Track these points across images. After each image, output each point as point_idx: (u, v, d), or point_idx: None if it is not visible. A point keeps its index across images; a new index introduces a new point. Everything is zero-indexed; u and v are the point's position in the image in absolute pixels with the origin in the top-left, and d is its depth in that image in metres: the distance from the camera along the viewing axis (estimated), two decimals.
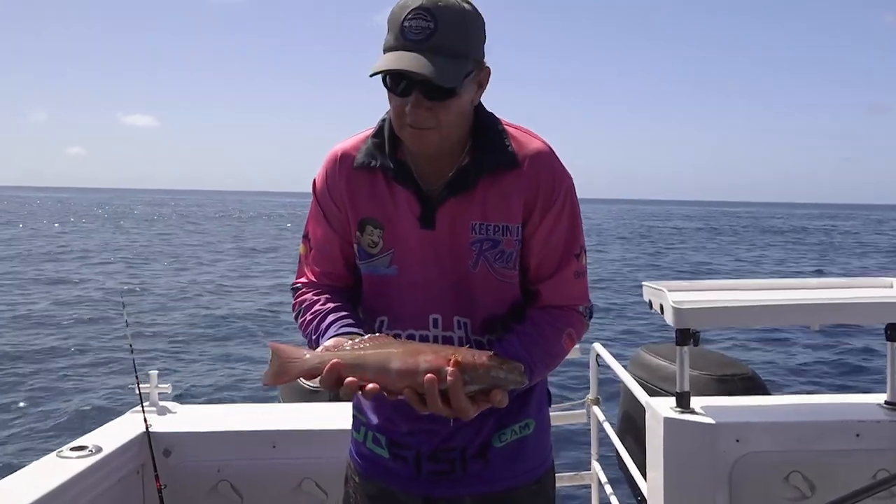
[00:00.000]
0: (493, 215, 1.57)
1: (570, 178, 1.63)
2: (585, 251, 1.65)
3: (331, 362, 1.34)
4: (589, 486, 3.97)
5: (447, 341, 1.58)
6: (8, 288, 19.90)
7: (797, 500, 2.55)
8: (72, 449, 2.36)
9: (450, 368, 1.31)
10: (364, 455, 1.73)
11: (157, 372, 2.88)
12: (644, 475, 2.96)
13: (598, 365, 3.85)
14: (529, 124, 1.68)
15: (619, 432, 3.91)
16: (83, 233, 45.75)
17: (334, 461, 1.76)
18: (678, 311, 2.55)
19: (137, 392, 2.70)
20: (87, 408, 9.34)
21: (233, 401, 8.95)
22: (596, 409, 3.87)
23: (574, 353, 3.86)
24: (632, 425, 3.94)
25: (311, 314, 1.62)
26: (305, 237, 1.72)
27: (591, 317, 1.67)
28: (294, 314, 1.69)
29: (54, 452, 2.35)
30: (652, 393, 3.48)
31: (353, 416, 1.75)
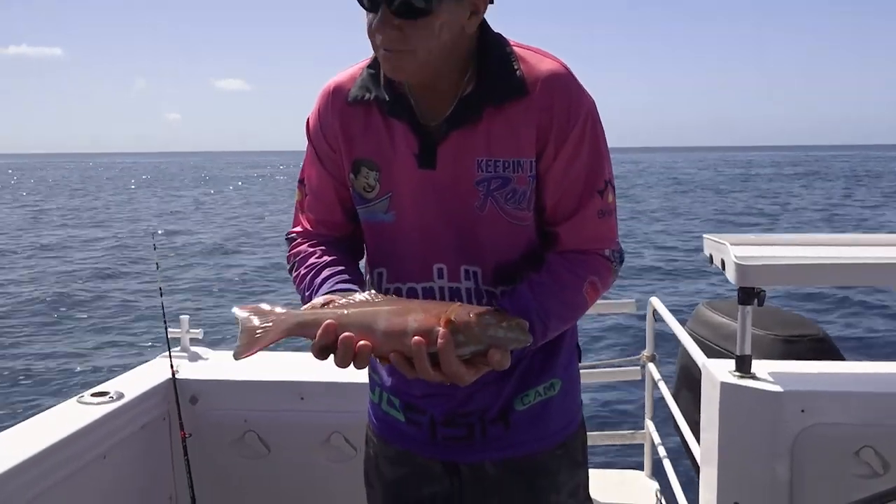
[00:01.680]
0: (502, 150, 1.38)
1: (591, 102, 1.42)
2: (613, 187, 1.45)
3: (325, 322, 1.18)
4: (642, 446, 3.80)
5: (454, 294, 1.43)
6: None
7: (868, 477, 2.31)
8: (93, 395, 2.30)
9: (441, 329, 1.15)
10: (381, 417, 1.60)
11: (188, 316, 2.80)
12: (698, 440, 2.77)
13: (655, 320, 3.65)
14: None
15: (675, 392, 3.71)
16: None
17: (364, 416, 1.65)
18: (741, 268, 2.30)
19: (165, 336, 2.63)
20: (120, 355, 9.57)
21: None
22: (651, 366, 3.69)
23: (630, 307, 3.70)
24: (689, 386, 3.72)
25: (306, 268, 1.47)
26: (301, 182, 1.57)
27: (620, 262, 1.48)
28: (288, 267, 1.54)
29: (74, 398, 2.29)
30: (712, 353, 3.25)
31: (369, 376, 1.63)
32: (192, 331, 2.78)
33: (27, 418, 2.17)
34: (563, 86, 1.39)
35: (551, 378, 1.51)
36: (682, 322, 3.51)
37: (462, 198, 1.40)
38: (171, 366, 2.49)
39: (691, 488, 3.32)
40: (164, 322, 2.62)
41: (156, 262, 2.76)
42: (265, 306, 1.24)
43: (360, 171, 1.45)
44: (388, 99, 1.40)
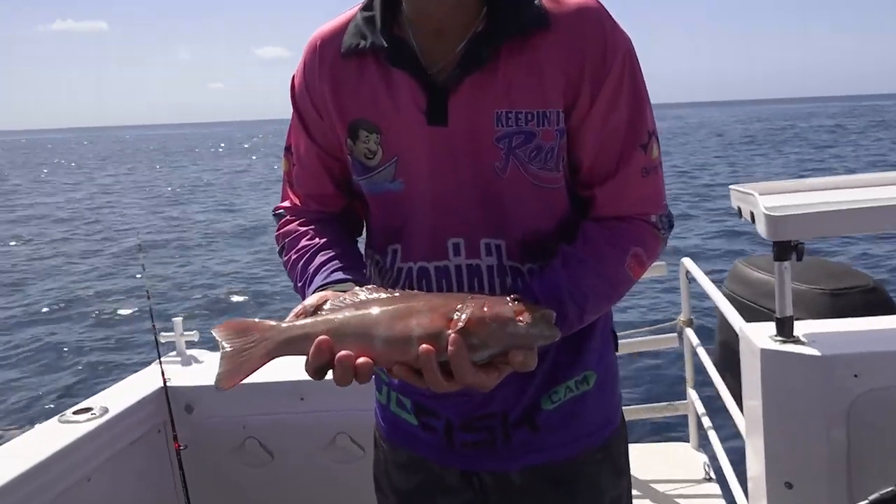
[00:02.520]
0: (524, 99, 1.17)
1: (628, 39, 1.20)
2: (657, 138, 1.24)
3: (317, 339, 0.98)
4: (685, 417, 3.56)
5: (474, 273, 1.22)
6: None
7: None
8: (75, 412, 2.14)
9: (451, 333, 0.95)
10: (389, 420, 1.40)
11: (181, 318, 2.63)
12: (742, 410, 2.53)
13: (690, 282, 3.39)
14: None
15: (717, 358, 3.46)
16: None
17: (370, 414, 1.47)
18: (773, 220, 2.04)
19: (155, 342, 2.46)
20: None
21: None
22: (689, 331, 3.44)
23: (660, 271, 3.44)
24: (732, 351, 3.48)
25: (297, 252, 1.28)
26: (287, 150, 1.36)
27: (669, 228, 1.27)
28: (278, 249, 1.34)
29: (56, 417, 2.13)
30: (753, 314, 3.00)
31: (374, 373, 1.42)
32: (186, 333, 2.61)
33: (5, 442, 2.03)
34: (596, 20, 1.17)
35: (584, 370, 1.30)
36: (719, 283, 3.26)
37: (479, 158, 1.19)
38: (163, 374, 2.33)
39: (741, 460, 3.11)
40: (153, 326, 2.45)
41: (141, 263, 2.59)
42: (248, 321, 1.04)
43: (359, 134, 1.23)
44: (386, 45, 1.19)
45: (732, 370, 3.39)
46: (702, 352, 3.30)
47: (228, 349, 1.01)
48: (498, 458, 1.30)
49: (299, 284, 1.24)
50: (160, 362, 2.37)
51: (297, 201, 1.35)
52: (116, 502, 2.11)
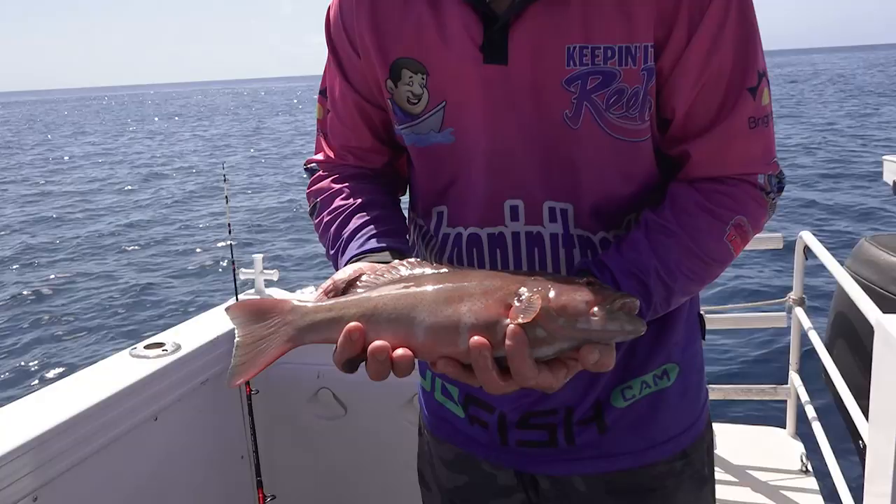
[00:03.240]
0: (603, 32, 0.96)
1: None
2: (768, 81, 1.03)
3: (347, 327, 0.81)
4: (784, 402, 3.30)
5: (534, 242, 1.03)
6: None
7: None
8: (147, 346, 2.04)
9: (510, 324, 0.77)
10: (434, 410, 1.23)
11: (262, 255, 2.50)
12: (861, 406, 2.26)
13: (806, 259, 3.08)
14: None
15: (828, 342, 3.16)
16: None
17: None
18: None
19: (233, 278, 2.35)
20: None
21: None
22: (799, 311, 3.15)
23: (776, 242, 3.14)
24: (847, 336, 3.16)
25: (330, 213, 1.11)
26: (322, 94, 1.18)
27: (779, 191, 1.05)
28: (309, 209, 1.17)
29: (126, 350, 2.04)
30: (881, 300, 2.69)
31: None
32: (266, 271, 2.49)
33: (75, 372, 1.95)
34: None
35: (664, 363, 1.10)
36: (840, 262, 2.94)
37: (546, 104, 0.98)
38: None
39: (844, 454, 2.85)
40: (233, 262, 2.33)
41: (225, 195, 2.46)
42: (267, 301, 0.87)
43: (402, 75, 1.04)
44: None
45: (849, 357, 3.10)
46: (814, 336, 3.01)
47: (243, 336, 0.85)
48: (559, 461, 1.11)
49: (331, 252, 1.08)
50: (237, 299, 2.26)
51: (331, 154, 1.18)
52: (182, 444, 2.02)
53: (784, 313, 3.23)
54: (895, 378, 1.90)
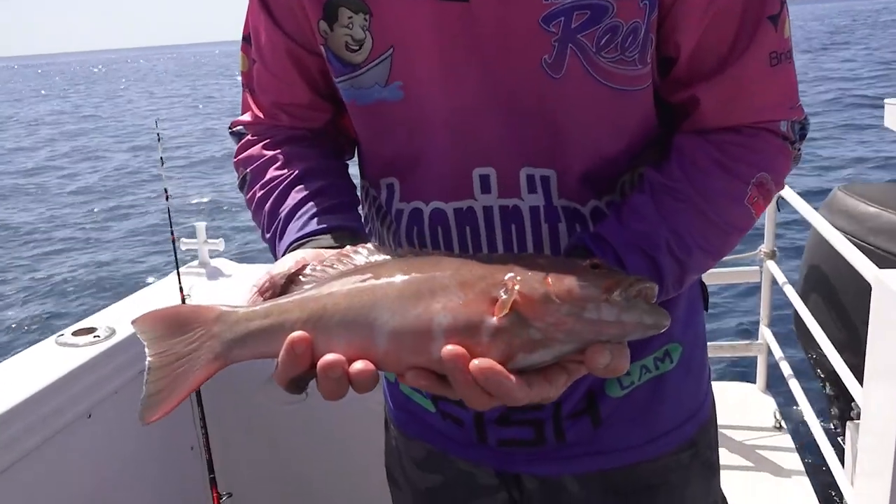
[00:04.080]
0: None
1: None
2: (788, 11, 0.85)
3: (289, 338, 0.62)
4: (754, 359, 3.22)
5: (511, 218, 0.86)
6: None
7: None
8: (75, 333, 1.79)
9: (492, 321, 0.59)
10: (401, 404, 1.06)
11: (204, 223, 2.26)
12: (851, 366, 2.16)
13: (779, 210, 2.97)
14: None
15: (801, 295, 3.07)
16: None
17: None
18: None
19: (174, 250, 2.09)
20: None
21: None
22: (771, 264, 3.06)
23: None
24: (823, 291, 3.08)
25: (263, 187, 0.91)
26: (245, 40, 0.97)
27: (802, 138, 0.89)
28: (238, 181, 0.97)
29: (52, 337, 1.79)
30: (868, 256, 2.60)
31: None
32: (210, 241, 2.24)
33: None
34: None
35: (665, 343, 0.94)
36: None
37: (518, 50, 0.80)
38: (181, 288, 1.97)
39: (817, 409, 2.79)
40: (171, 231, 2.07)
41: (160, 156, 2.19)
42: (184, 309, 0.67)
43: (339, 15, 0.84)
44: None
45: (825, 312, 3.02)
46: (790, 290, 2.92)
47: (156, 356, 0.66)
48: (547, 460, 0.95)
49: (267, 236, 0.89)
50: (178, 273, 2.01)
51: (260, 114, 0.97)
52: (123, 443, 1.79)
53: (756, 267, 3.13)
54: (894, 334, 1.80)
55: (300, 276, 0.68)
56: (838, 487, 2.20)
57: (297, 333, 0.62)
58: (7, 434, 1.49)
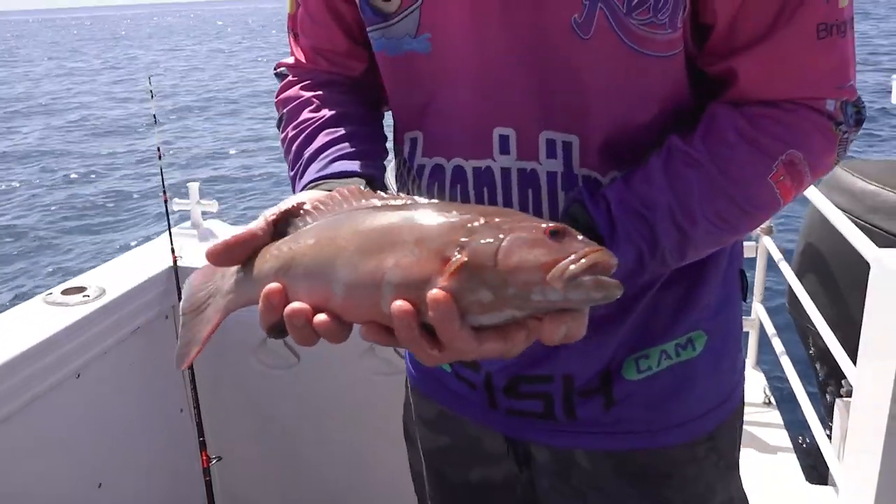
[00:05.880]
0: None
1: None
2: None
3: (266, 288, 0.64)
4: (746, 335, 3.22)
5: (528, 182, 0.83)
6: None
7: None
8: (65, 292, 1.76)
9: (441, 283, 0.57)
10: (417, 362, 1.05)
11: (198, 183, 2.22)
12: (844, 345, 2.15)
13: None
14: None
15: (797, 273, 3.06)
16: None
17: None
18: None
19: (165, 211, 2.06)
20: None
21: None
22: (768, 240, 3.02)
23: None
24: (818, 269, 3.07)
25: (295, 128, 0.91)
26: None
27: (857, 125, 0.81)
28: (276, 121, 0.98)
29: (40, 296, 1.76)
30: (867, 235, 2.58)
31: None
32: (203, 202, 2.21)
33: None
34: None
35: (689, 330, 0.90)
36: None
37: (549, 6, 0.77)
38: (172, 249, 1.94)
39: (808, 386, 2.80)
40: (164, 191, 2.04)
41: (153, 113, 2.14)
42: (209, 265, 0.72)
43: None
44: None
45: (820, 290, 3.01)
46: (785, 267, 2.91)
47: (186, 308, 0.74)
48: (558, 433, 0.93)
49: (291, 174, 0.90)
50: (170, 234, 1.98)
51: (301, 58, 0.99)
52: (111, 405, 1.77)
53: (753, 243, 3.12)
54: (892, 315, 1.79)
55: (297, 219, 0.68)
56: (825, 463, 2.21)
57: (271, 285, 0.63)
58: None
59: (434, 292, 0.56)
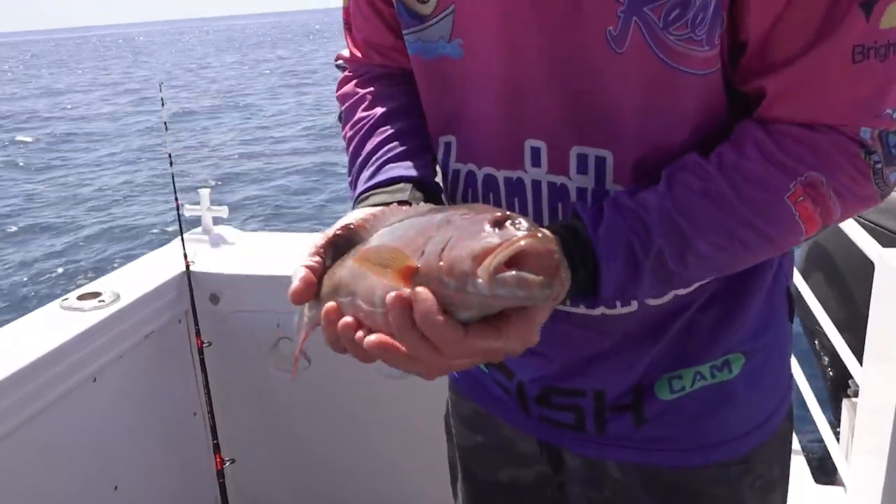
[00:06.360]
0: None
1: None
2: None
3: (325, 307, 0.67)
4: None
5: (557, 196, 0.80)
6: None
7: None
8: (80, 297, 1.79)
9: (405, 291, 0.59)
10: None
11: (209, 190, 2.25)
12: (850, 345, 2.16)
13: None
14: None
15: (803, 273, 3.07)
16: None
17: None
18: None
19: (178, 217, 2.09)
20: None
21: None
22: None
23: None
24: (824, 268, 3.09)
25: (352, 127, 0.93)
26: None
27: (890, 162, 0.74)
28: (337, 115, 1.01)
29: (56, 301, 1.79)
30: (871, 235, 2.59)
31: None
32: (214, 207, 2.23)
33: None
34: None
35: (726, 352, 0.88)
36: None
37: (583, 20, 0.74)
38: (185, 255, 1.96)
39: (812, 383, 2.81)
40: (176, 198, 2.07)
41: (164, 121, 2.17)
42: None
43: None
44: None
45: (826, 290, 3.03)
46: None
47: (296, 328, 0.79)
48: (589, 444, 0.93)
49: (349, 179, 0.91)
50: (182, 240, 2.01)
51: (356, 52, 1.00)
52: (127, 408, 1.80)
53: None
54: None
55: (351, 237, 0.71)
56: (833, 464, 2.22)
57: (328, 304, 0.66)
58: (11, 398, 1.49)
59: (394, 295, 0.58)
